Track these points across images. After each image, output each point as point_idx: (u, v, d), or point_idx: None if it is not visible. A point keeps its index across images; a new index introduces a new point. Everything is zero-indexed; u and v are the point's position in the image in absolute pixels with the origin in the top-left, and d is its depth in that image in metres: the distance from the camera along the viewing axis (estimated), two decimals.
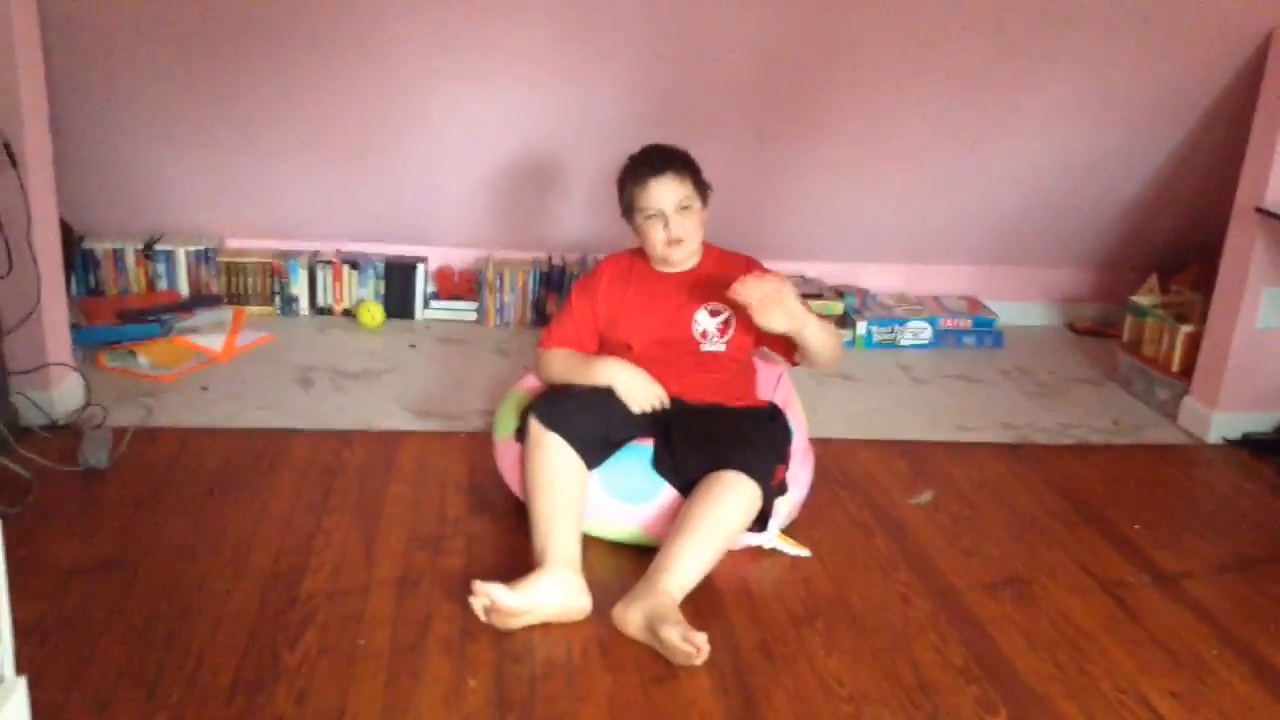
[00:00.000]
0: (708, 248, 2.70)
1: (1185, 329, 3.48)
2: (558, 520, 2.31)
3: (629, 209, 2.63)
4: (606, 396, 2.53)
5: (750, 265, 2.68)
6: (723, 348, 2.63)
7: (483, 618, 2.15)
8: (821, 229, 4.05)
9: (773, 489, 2.40)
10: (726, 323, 2.63)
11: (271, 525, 2.49)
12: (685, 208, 2.56)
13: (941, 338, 4.05)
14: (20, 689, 1.26)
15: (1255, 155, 3.17)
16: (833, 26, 3.23)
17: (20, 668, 1.26)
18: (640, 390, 2.52)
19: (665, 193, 2.54)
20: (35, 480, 2.57)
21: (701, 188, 2.61)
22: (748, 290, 2.42)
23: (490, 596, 2.11)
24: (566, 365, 2.63)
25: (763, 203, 3.85)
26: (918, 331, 4.03)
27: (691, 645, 2.03)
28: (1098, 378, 3.84)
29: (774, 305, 2.42)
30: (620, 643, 2.14)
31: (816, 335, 2.49)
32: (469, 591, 2.17)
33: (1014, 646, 2.22)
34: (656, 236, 2.57)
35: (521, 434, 2.47)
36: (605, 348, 2.68)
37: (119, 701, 1.88)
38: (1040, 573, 2.52)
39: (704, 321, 2.62)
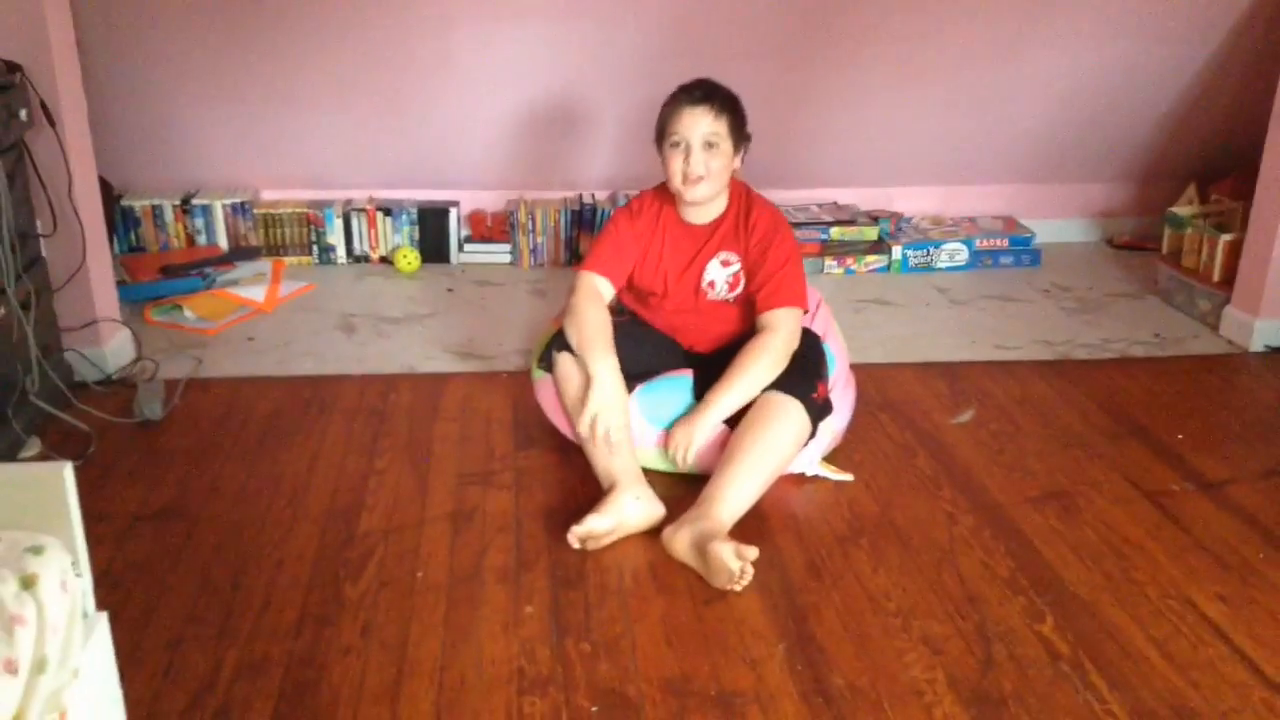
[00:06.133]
0: (738, 197, 2.55)
1: (1225, 238, 3.44)
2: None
3: (659, 134, 2.47)
4: (632, 331, 2.55)
5: (776, 223, 2.52)
6: (730, 299, 2.56)
7: (577, 546, 2.22)
8: (854, 153, 4.02)
9: (816, 403, 2.42)
10: (737, 275, 2.54)
11: (325, 468, 2.54)
12: (711, 145, 2.38)
13: (978, 258, 4.02)
14: (103, 623, 1.32)
15: None
16: None
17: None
18: (603, 412, 2.34)
19: (695, 123, 2.38)
20: (94, 433, 2.64)
21: (738, 133, 2.43)
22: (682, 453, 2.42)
23: (586, 531, 2.20)
24: (585, 320, 2.44)
25: (793, 130, 3.83)
26: (954, 253, 4.01)
27: (744, 559, 2.06)
28: (1138, 291, 3.81)
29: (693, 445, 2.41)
30: (671, 567, 2.18)
31: (738, 402, 2.42)
32: (520, 523, 2.23)
33: (1060, 557, 2.25)
34: (676, 167, 2.41)
35: (549, 366, 2.49)
36: (632, 290, 2.65)
37: (191, 639, 1.95)
38: (1084, 485, 2.53)
39: (713, 272, 2.54)
